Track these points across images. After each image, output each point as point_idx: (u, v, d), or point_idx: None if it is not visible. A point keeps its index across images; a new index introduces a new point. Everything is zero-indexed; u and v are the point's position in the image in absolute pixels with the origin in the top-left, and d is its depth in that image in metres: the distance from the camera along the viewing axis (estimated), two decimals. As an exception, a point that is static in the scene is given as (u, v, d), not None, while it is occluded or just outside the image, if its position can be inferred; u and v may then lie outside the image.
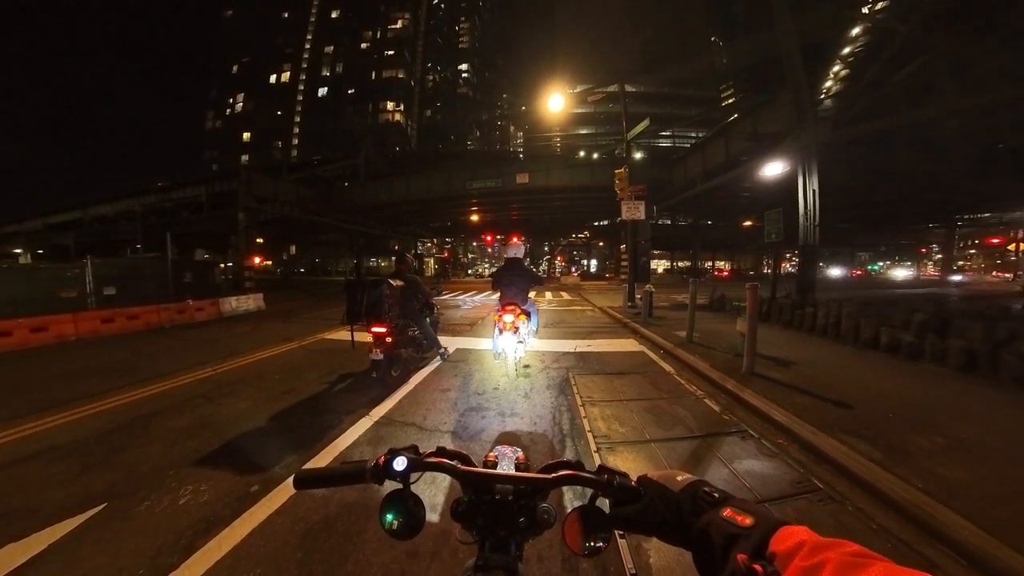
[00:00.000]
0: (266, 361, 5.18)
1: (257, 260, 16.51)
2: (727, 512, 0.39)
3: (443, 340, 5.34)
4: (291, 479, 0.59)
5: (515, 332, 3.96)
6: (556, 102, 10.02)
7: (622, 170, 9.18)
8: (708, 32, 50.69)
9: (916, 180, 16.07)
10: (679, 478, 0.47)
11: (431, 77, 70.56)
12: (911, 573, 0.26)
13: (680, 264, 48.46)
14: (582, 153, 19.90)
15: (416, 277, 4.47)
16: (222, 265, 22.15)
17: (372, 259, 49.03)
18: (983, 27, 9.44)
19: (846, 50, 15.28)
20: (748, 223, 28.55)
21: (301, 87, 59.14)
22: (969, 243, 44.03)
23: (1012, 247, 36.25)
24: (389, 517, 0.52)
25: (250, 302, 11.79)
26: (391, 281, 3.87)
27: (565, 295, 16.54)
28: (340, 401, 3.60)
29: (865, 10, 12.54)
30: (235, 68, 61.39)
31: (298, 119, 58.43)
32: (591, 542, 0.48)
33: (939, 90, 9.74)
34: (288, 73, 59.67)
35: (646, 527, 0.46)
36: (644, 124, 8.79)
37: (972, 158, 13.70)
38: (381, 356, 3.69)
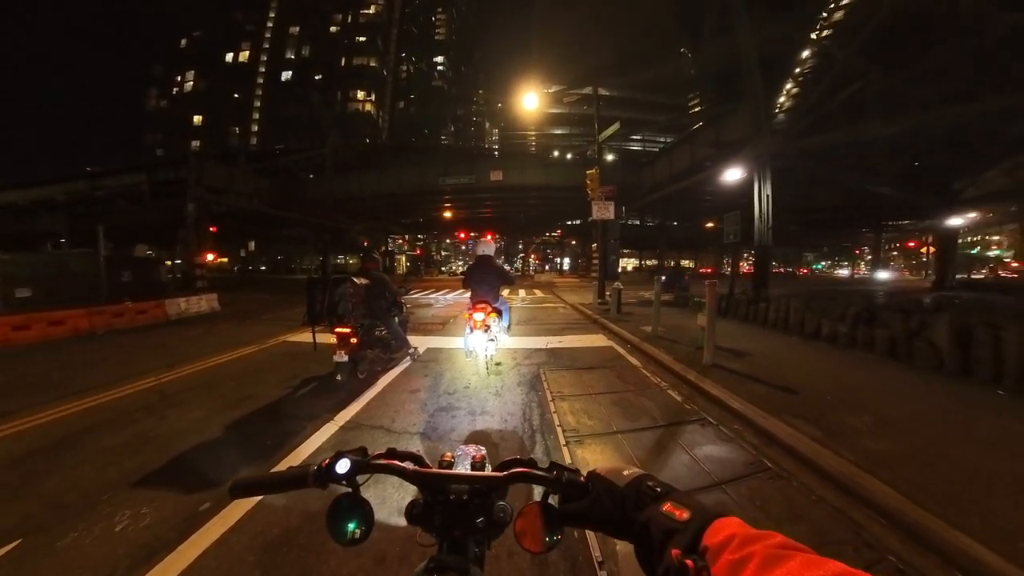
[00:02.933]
0: (220, 367, 4.80)
1: (210, 257, 15.23)
2: (666, 507, 0.40)
3: (413, 340, 5.25)
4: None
5: (486, 330, 3.97)
6: (531, 101, 10.07)
7: (593, 171, 9.41)
8: (678, 42, 53.15)
9: (851, 189, 17.92)
10: (625, 472, 0.48)
11: (405, 68, 68.31)
12: (829, 563, 0.28)
13: (648, 262, 50.69)
14: (556, 153, 20.21)
15: (383, 275, 4.36)
16: (169, 263, 20.22)
17: (340, 256, 46.88)
18: (902, 62, 10.72)
19: (797, 70, 16.68)
20: (710, 224, 30.33)
21: (262, 69, 55.06)
22: (892, 246, 49.90)
23: (924, 250, 41.66)
24: (335, 523, 0.51)
25: (203, 303, 10.82)
26: (355, 279, 3.76)
27: (538, 292, 16.75)
28: (303, 406, 3.41)
29: (813, 35, 13.76)
30: (184, 42, 55.96)
31: (258, 104, 54.40)
32: (543, 538, 0.48)
33: (870, 112, 10.92)
34: (247, 52, 55.26)
35: (592, 522, 0.47)
36: (615, 127, 9.07)
37: (895, 172, 15.50)
38: (345, 358, 3.59)
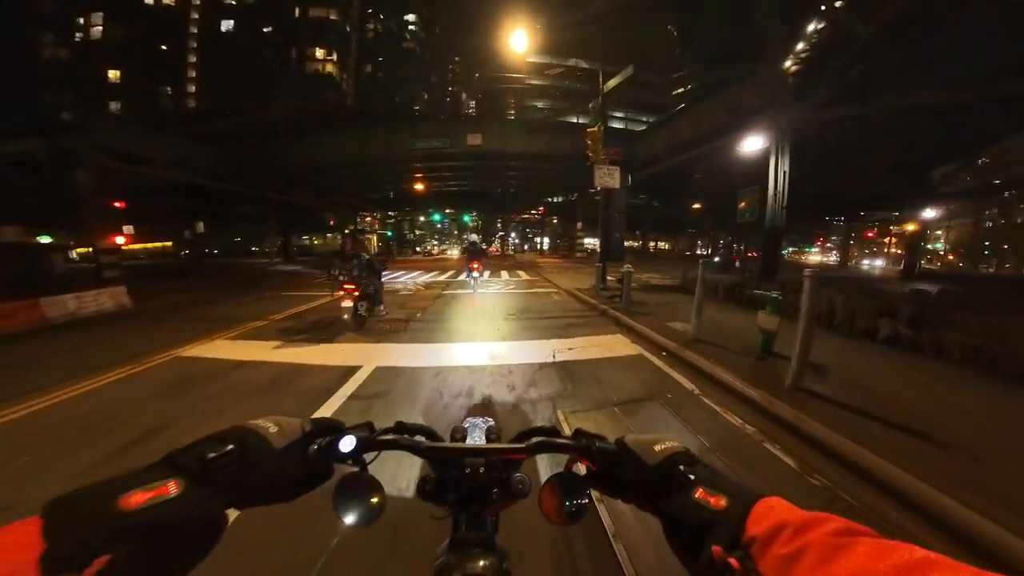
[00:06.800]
0: (54, 410, 2.96)
1: (121, 240, 12.41)
2: (699, 494, 0.36)
3: (367, 352, 3.73)
4: None
5: (479, 272, 9.33)
6: (520, 41, 8.07)
7: (595, 129, 7.71)
8: (664, 20, 49.82)
9: (840, 176, 17.31)
10: (656, 448, 0.44)
11: (372, 26, 61.57)
12: (897, 544, 0.25)
13: (629, 243, 50.04)
14: (543, 108, 17.98)
15: (371, 253, 6.37)
16: (78, 251, 16.73)
17: (304, 236, 42.88)
18: (923, 37, 9.48)
19: (812, 27, 15.21)
20: (697, 206, 29.50)
21: (195, 15, 47.28)
22: (853, 236, 51.87)
23: (887, 240, 44.15)
24: (342, 504, 0.46)
25: (104, 299, 8.52)
26: (363, 255, 5.79)
27: (523, 274, 15.03)
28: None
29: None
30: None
31: (194, 60, 47.04)
32: (569, 510, 0.48)
33: (905, 84, 9.69)
34: (174, -7, 46.92)
35: (621, 493, 0.46)
36: (626, 72, 7.33)
37: (891, 159, 14.93)
38: (351, 304, 5.35)
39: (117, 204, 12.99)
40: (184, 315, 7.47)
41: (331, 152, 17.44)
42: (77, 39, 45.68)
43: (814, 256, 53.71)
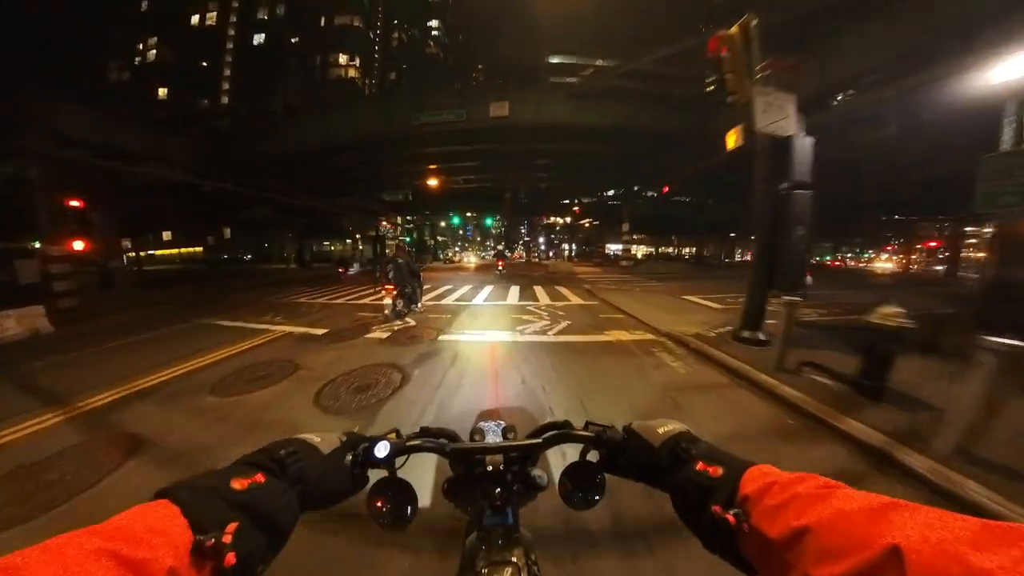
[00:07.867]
0: None
1: (80, 245, 10.15)
2: (699, 466, 0.41)
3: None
4: None
5: (503, 268, 16.71)
6: None
7: (735, 29, 3.98)
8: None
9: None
10: (660, 430, 0.48)
11: (396, 35, 61.82)
12: (869, 496, 0.28)
13: (664, 249, 44.52)
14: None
15: (410, 259, 7.12)
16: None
17: (325, 242, 41.82)
18: None
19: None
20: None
21: (232, 32, 48.80)
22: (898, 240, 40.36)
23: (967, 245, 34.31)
24: (377, 507, 0.49)
25: (10, 324, 6.45)
26: (398, 260, 6.78)
27: (570, 296, 9.78)
28: None
29: None
30: (144, 5, 49.51)
31: (228, 72, 48.31)
32: (586, 496, 0.51)
33: None
34: (215, 14, 48.97)
35: (632, 475, 0.49)
36: None
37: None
38: (391, 301, 6.56)
39: (74, 203, 10.70)
40: (42, 365, 4.70)
41: (314, 135, 14.41)
42: (136, 62, 48.53)
43: (882, 263, 42.27)
